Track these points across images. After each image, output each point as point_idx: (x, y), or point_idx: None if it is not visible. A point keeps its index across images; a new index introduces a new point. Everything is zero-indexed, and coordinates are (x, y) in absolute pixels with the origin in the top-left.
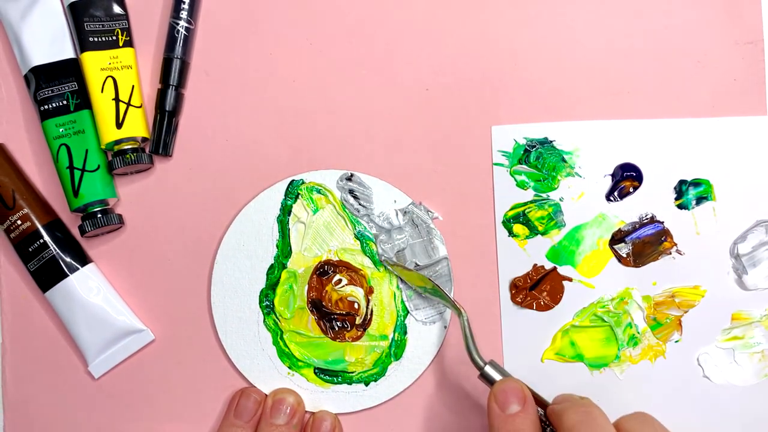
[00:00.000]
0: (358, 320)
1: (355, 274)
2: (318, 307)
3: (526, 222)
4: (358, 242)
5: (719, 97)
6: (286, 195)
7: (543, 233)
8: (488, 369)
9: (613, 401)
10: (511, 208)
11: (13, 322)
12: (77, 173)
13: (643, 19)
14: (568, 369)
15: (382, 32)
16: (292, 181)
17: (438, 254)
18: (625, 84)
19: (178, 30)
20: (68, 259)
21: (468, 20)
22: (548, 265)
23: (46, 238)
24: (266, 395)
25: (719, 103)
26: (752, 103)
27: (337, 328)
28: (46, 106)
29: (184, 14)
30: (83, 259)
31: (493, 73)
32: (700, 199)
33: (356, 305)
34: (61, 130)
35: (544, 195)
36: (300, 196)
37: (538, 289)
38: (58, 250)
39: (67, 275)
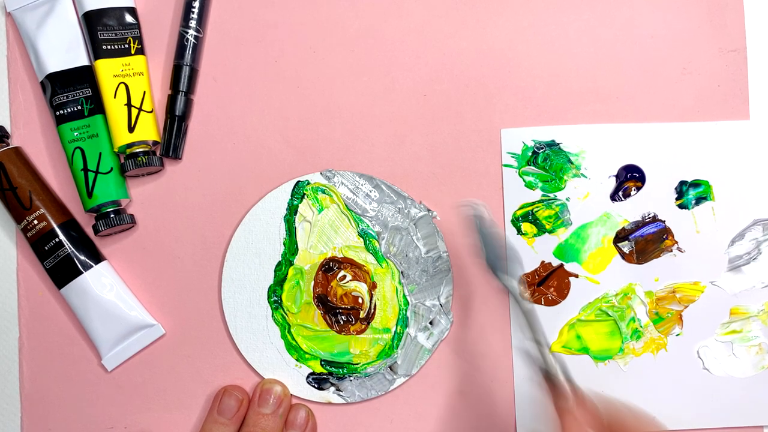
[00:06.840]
0: (362, 314)
1: (358, 270)
2: (324, 302)
3: (535, 221)
4: (362, 240)
5: (704, 102)
6: (292, 195)
7: (550, 231)
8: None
9: (616, 392)
10: (520, 208)
11: (29, 318)
12: (91, 175)
13: (632, 29)
14: (575, 361)
15: (382, 41)
16: (298, 181)
17: (439, 250)
18: (614, 90)
19: (188, 38)
20: (82, 257)
21: (467, 31)
22: (555, 262)
23: (62, 237)
24: (247, 394)
25: (704, 109)
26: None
27: (342, 322)
28: (61, 111)
29: (193, 23)
30: (97, 257)
31: (494, 79)
32: (699, 200)
33: (360, 300)
34: (75, 134)
35: (551, 195)
36: (306, 196)
37: (545, 284)
38: (72, 249)
39: (81, 272)
